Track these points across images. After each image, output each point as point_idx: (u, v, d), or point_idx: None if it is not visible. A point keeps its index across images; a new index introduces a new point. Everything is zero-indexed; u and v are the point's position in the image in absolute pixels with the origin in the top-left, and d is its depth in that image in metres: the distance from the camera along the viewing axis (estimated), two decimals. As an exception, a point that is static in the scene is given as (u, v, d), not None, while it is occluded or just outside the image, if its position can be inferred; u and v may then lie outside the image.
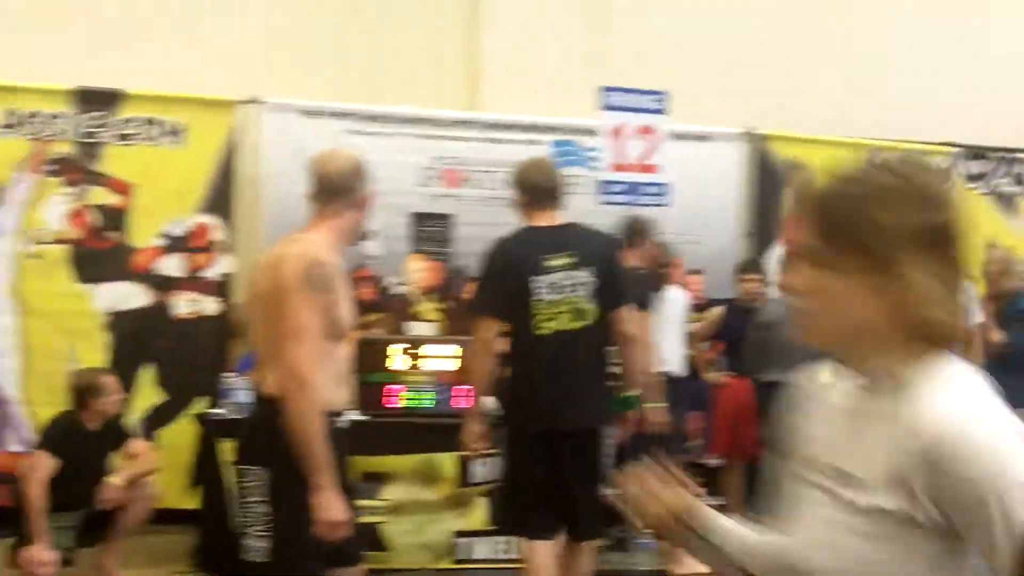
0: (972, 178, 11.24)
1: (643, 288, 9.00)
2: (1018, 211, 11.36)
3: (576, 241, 6.30)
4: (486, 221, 10.47)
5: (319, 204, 4.76)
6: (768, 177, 10.92)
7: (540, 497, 6.25)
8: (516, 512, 6.42)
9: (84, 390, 8.18)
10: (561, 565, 6.28)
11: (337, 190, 4.74)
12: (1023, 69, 12.04)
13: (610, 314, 6.30)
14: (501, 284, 6.20)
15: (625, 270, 6.60)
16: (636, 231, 9.31)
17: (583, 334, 6.21)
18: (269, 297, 4.52)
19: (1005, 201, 11.34)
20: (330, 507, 4.44)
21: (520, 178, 6.43)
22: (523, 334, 6.18)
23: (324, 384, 4.53)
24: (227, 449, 8.29)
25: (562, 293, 6.17)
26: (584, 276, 6.21)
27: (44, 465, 7.92)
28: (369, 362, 8.64)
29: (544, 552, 6.25)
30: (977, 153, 11.26)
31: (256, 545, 4.54)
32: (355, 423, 4.94)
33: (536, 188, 6.37)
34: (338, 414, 4.71)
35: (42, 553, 7.77)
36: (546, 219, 6.35)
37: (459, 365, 8.89)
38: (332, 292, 4.47)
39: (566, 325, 6.17)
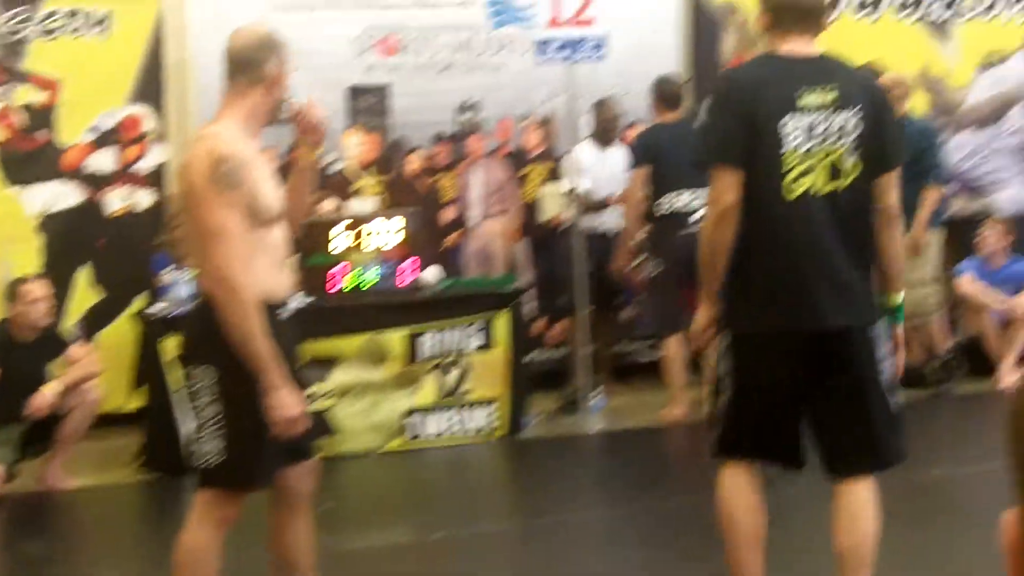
0: (904, 6, 11.04)
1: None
2: (950, 38, 11.17)
3: (838, 74, 4.71)
4: (424, 90, 10.35)
5: (229, 84, 4.63)
6: (705, 22, 10.73)
7: (777, 417, 4.72)
8: (741, 434, 4.77)
9: (13, 299, 8.14)
10: (838, 508, 4.73)
11: (240, 66, 4.59)
12: None
13: (876, 178, 4.72)
14: (739, 124, 4.58)
15: (898, 121, 4.97)
16: (673, 91, 9.39)
17: (842, 199, 4.63)
18: (185, 198, 4.45)
19: (937, 28, 11.13)
20: (283, 404, 4.36)
21: None
22: (763, 196, 4.58)
23: (262, 275, 4.45)
24: (170, 346, 8.24)
25: (819, 141, 4.60)
26: (849, 119, 4.62)
27: (-21, 377, 7.92)
28: (310, 244, 8.56)
29: (749, 489, 4.78)
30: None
31: (209, 446, 4.49)
32: (299, 308, 4.83)
33: (787, 4, 4.75)
34: (282, 303, 4.63)
35: (-16, 468, 7.81)
36: (799, 46, 4.74)
37: (403, 239, 8.83)
38: (244, 184, 4.36)
39: (821, 186, 4.59)
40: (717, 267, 4.67)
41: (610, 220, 9.66)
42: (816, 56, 4.73)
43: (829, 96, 4.58)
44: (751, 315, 4.70)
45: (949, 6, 11.09)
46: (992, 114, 11.22)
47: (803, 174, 4.54)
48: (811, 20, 4.73)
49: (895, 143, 4.78)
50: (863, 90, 4.69)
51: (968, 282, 9.80)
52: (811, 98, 4.56)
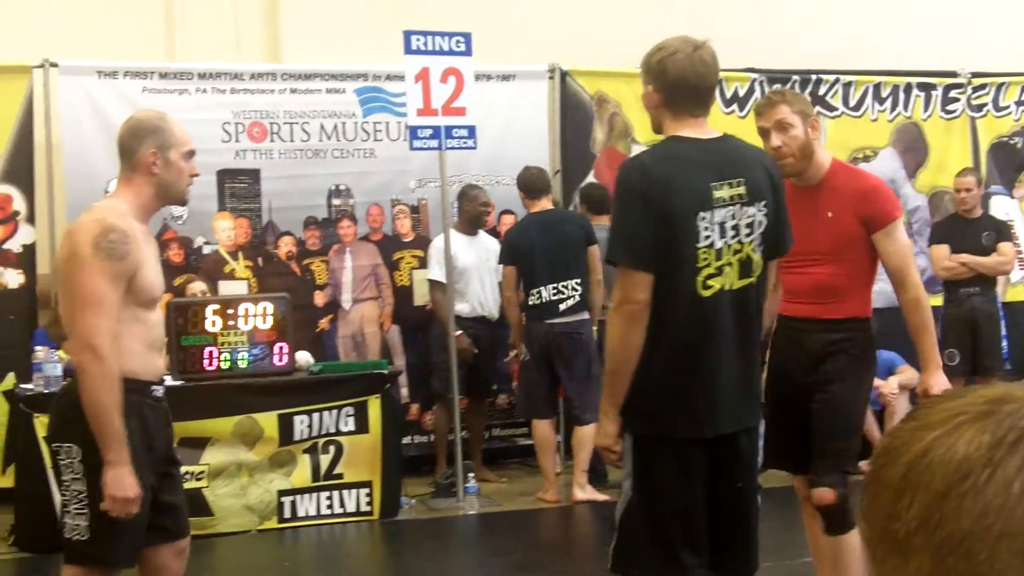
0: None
1: None
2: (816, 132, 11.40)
3: (744, 163, 4.44)
4: (294, 174, 10.34)
5: (120, 169, 4.67)
6: (575, 113, 10.90)
7: (701, 527, 4.42)
8: (669, 549, 4.38)
9: None
10: None
11: (121, 153, 4.65)
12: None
13: (769, 264, 4.59)
14: (653, 220, 4.25)
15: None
16: (535, 182, 9.45)
17: (751, 296, 4.44)
18: (65, 266, 4.42)
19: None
20: (120, 484, 4.32)
21: (659, 68, 4.38)
22: (677, 293, 4.29)
23: (136, 354, 4.44)
24: (41, 424, 8.10)
25: (732, 236, 4.34)
26: (756, 214, 4.40)
27: None
28: (182, 325, 8.52)
29: None
30: (776, 77, 11.31)
31: (74, 523, 4.44)
32: (171, 389, 4.83)
33: (685, 84, 4.36)
34: (156, 383, 4.60)
35: None
36: (698, 130, 4.42)
37: (273, 322, 8.79)
38: (127, 258, 4.35)
39: (733, 283, 4.36)
40: (627, 372, 4.34)
41: (482, 307, 9.72)
42: (720, 139, 4.48)
43: (739, 190, 4.34)
44: (658, 418, 4.41)
45: (817, 102, 11.38)
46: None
47: (718, 271, 4.31)
48: (706, 99, 4.44)
49: (789, 231, 4.63)
50: (766, 178, 4.47)
51: None
52: (723, 192, 4.31)
